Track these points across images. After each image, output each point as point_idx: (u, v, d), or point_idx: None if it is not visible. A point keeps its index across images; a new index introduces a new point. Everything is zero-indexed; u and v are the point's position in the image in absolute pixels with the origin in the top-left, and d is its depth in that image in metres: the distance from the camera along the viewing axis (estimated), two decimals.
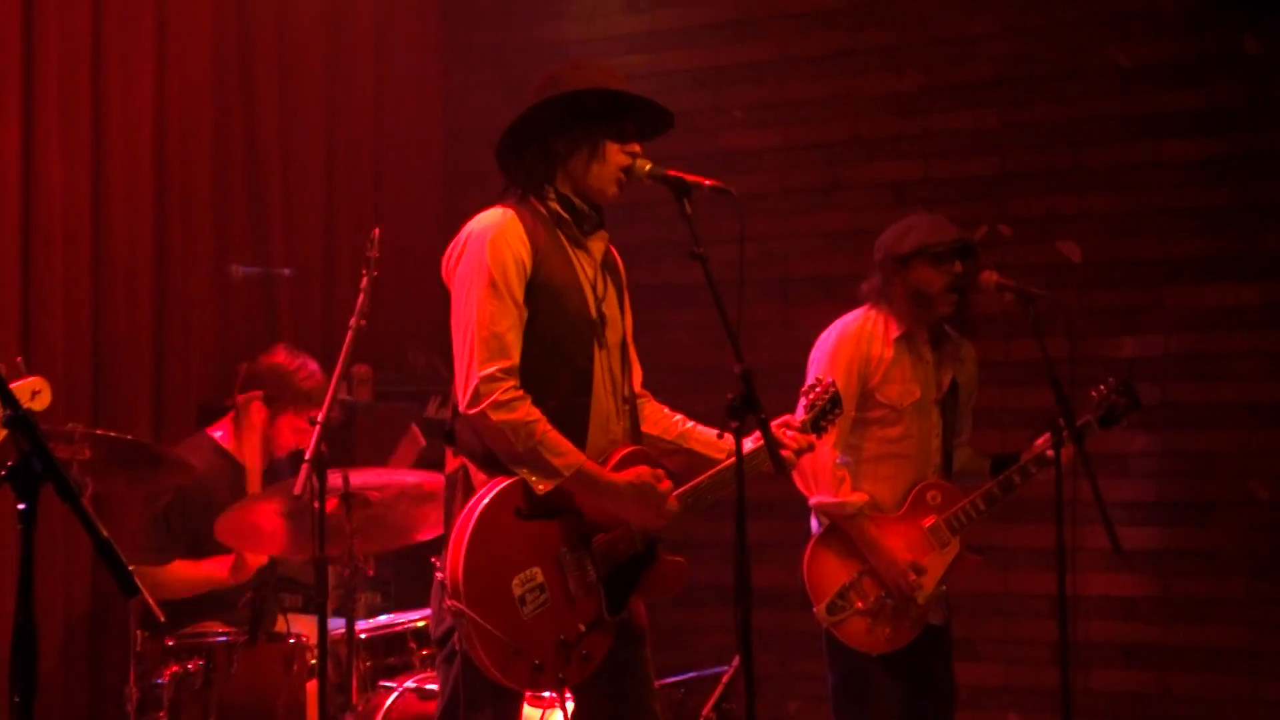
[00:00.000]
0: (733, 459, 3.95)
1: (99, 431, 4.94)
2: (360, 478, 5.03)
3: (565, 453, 3.94)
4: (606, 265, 4.25)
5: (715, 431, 4.32)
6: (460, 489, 4.04)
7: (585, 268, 4.15)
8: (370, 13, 7.69)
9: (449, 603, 3.87)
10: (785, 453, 4.09)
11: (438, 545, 4.11)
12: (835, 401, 4.41)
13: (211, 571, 5.60)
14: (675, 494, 4.11)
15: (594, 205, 4.18)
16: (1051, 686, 5.21)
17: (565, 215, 4.12)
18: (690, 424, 4.41)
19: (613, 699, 4.16)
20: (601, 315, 4.16)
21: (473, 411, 3.91)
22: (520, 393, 3.92)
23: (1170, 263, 6.79)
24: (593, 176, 4.11)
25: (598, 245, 4.22)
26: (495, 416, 3.88)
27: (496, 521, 3.90)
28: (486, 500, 3.91)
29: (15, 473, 2.74)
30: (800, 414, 4.38)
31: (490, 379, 3.90)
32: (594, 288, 4.15)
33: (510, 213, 4.05)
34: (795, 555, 5.42)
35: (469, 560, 3.85)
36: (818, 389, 4.41)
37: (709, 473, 4.19)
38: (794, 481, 5.18)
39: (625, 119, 4.15)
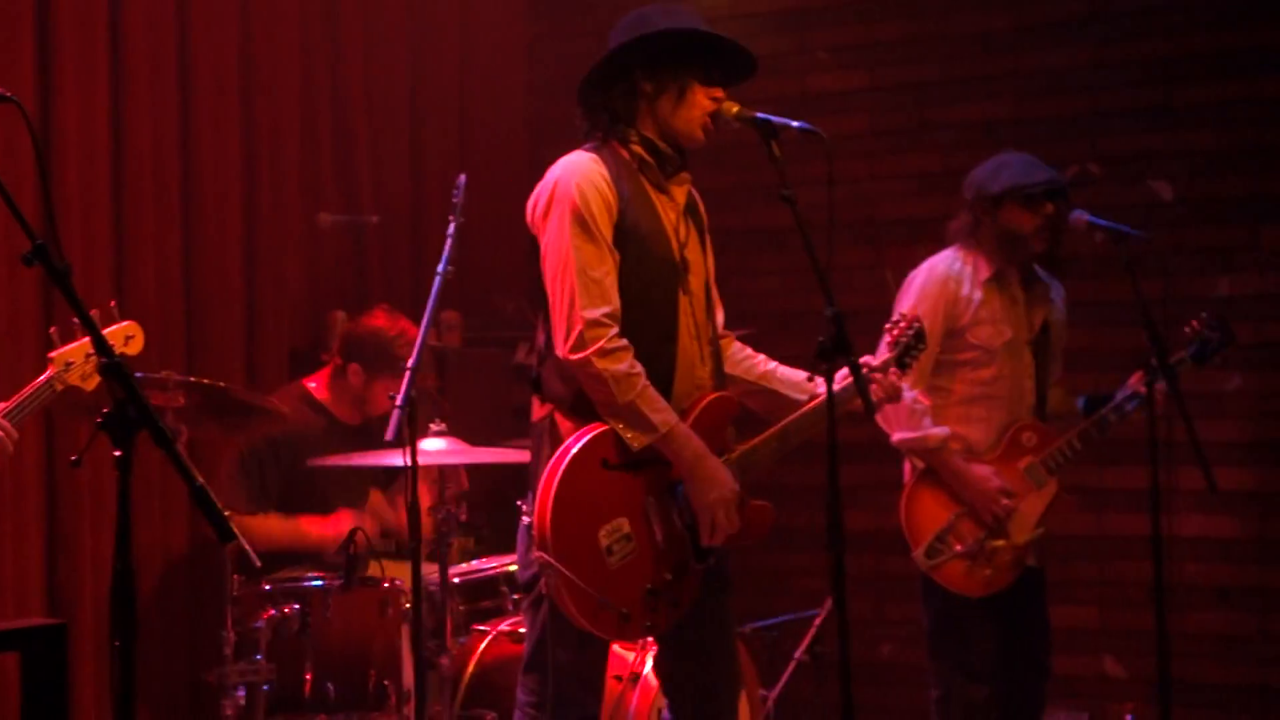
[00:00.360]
0: (815, 400, 3.96)
1: (192, 379, 4.99)
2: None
3: (662, 410, 3.94)
4: (689, 209, 4.23)
5: (798, 373, 4.31)
6: (547, 437, 4.03)
7: (668, 212, 4.14)
8: None
9: (536, 554, 3.88)
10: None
11: (526, 488, 4.12)
12: (920, 337, 4.38)
13: (306, 529, 5.64)
14: (758, 440, 4.10)
15: (677, 148, 4.16)
16: (1147, 629, 5.18)
17: (648, 158, 4.10)
18: (772, 364, 4.40)
19: (697, 645, 4.16)
20: (684, 260, 4.14)
21: (576, 357, 3.89)
22: (624, 342, 3.90)
23: (1266, 199, 6.68)
24: (679, 118, 4.09)
25: (680, 189, 4.20)
26: (599, 364, 3.87)
27: (583, 473, 3.91)
28: (574, 451, 3.91)
29: (111, 420, 2.76)
30: (883, 351, 4.36)
31: (595, 323, 3.88)
32: (676, 232, 4.14)
33: (595, 157, 4.04)
34: (887, 499, 5.41)
35: (556, 512, 3.86)
36: (901, 324, 4.38)
37: (795, 414, 4.18)
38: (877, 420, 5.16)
39: (711, 63, 4.12)
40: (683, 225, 4.17)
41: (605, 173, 4.00)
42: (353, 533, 5.17)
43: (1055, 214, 5.21)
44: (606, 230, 3.96)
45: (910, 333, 4.36)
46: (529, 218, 4.08)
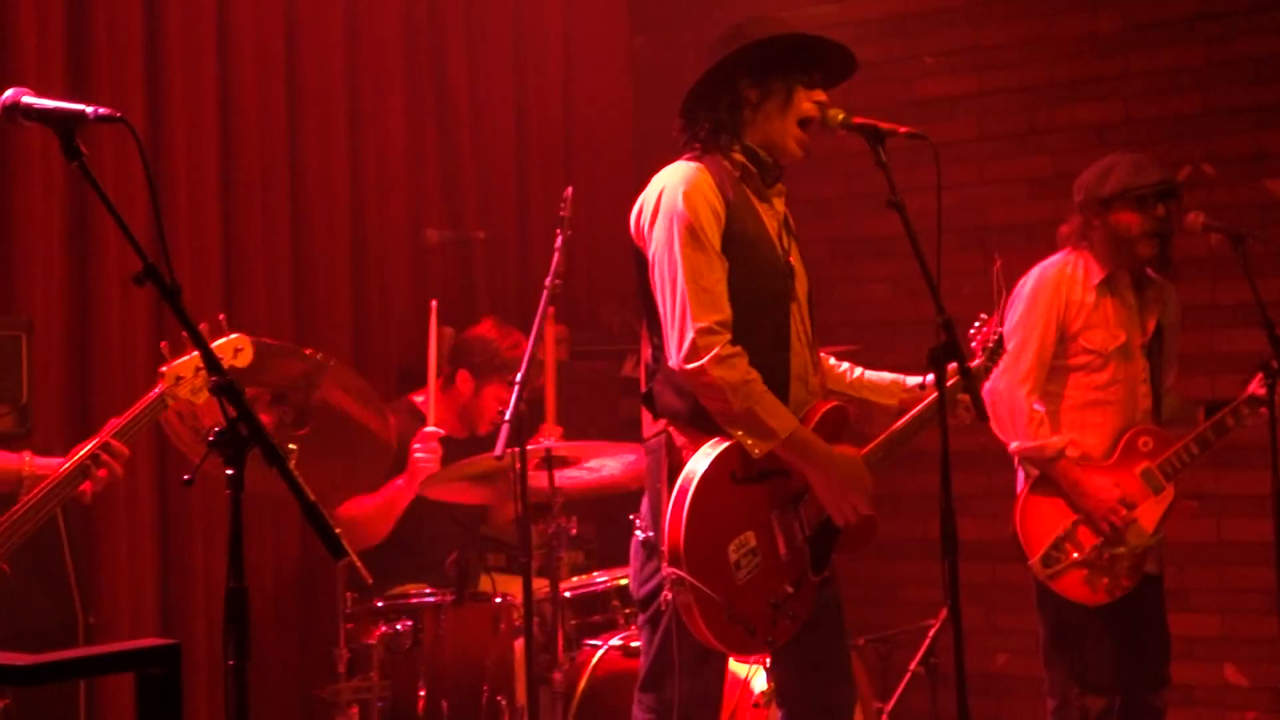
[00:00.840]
0: (922, 404, 3.95)
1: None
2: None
3: (781, 414, 3.91)
4: (785, 219, 4.21)
5: (884, 375, 4.30)
6: (665, 453, 4.00)
7: (771, 220, 4.12)
8: None
9: (668, 570, 3.84)
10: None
11: (637, 502, 4.10)
12: (1001, 341, 4.38)
13: (392, 494, 5.62)
14: (865, 450, 4.08)
15: (775, 158, 4.13)
16: (1270, 635, 5.11)
17: (751, 167, 4.08)
18: (859, 371, 4.39)
19: (813, 658, 4.13)
20: (789, 267, 4.12)
21: (690, 366, 3.86)
22: (738, 349, 3.88)
23: None
24: (785, 125, 4.06)
25: (779, 200, 4.18)
26: (715, 373, 3.84)
27: (714, 488, 3.88)
28: (705, 467, 3.88)
29: (223, 439, 2.77)
30: (977, 357, 4.33)
31: (708, 331, 3.86)
32: (780, 239, 4.12)
33: (700, 166, 4.02)
34: (999, 507, 5.35)
35: (690, 528, 3.83)
36: (985, 329, 4.36)
37: (903, 420, 4.17)
38: (992, 430, 5.11)
39: (813, 68, 4.10)
40: (785, 233, 4.15)
41: (711, 180, 3.98)
42: (461, 550, 5.18)
43: (1167, 215, 5.14)
44: (715, 238, 3.94)
45: (994, 336, 4.34)
46: (633, 229, 4.06)
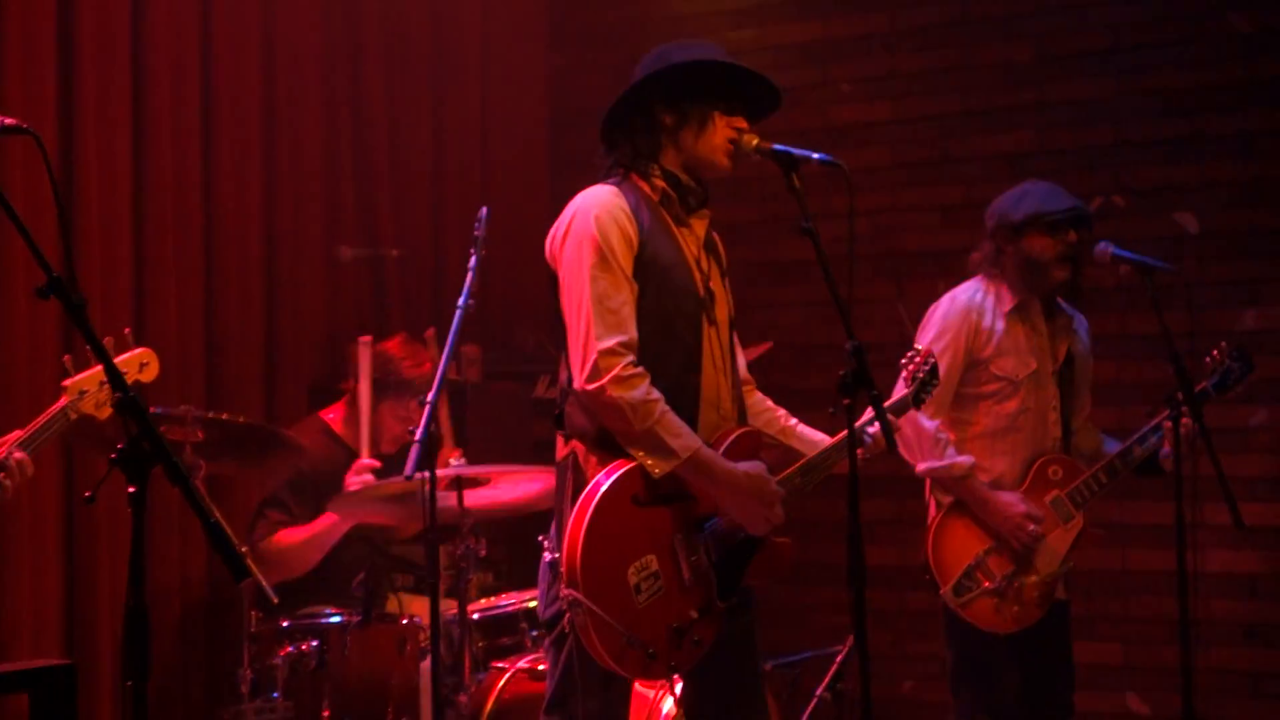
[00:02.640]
0: (839, 435, 3.94)
1: (211, 414, 4.97)
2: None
3: (683, 434, 3.90)
4: (708, 244, 4.21)
5: (818, 434, 4.29)
6: (571, 474, 3.99)
7: (689, 245, 4.11)
8: None
9: (566, 592, 3.83)
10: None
11: (547, 523, 4.09)
12: (934, 372, 4.38)
13: (322, 528, 5.57)
14: (780, 476, 4.08)
15: (699, 182, 4.14)
16: (1171, 665, 5.13)
17: (670, 192, 4.08)
18: (793, 421, 4.38)
19: (721, 682, 4.13)
20: (709, 292, 4.12)
21: (591, 387, 3.85)
22: (640, 370, 3.87)
23: None
24: (701, 149, 4.07)
25: (700, 224, 4.18)
26: (614, 392, 3.83)
27: (614, 510, 3.86)
28: (605, 487, 3.87)
29: (126, 455, 2.73)
30: (900, 387, 4.35)
31: (610, 352, 3.85)
32: (699, 264, 4.11)
33: (614, 189, 4.02)
34: (908, 534, 5.37)
35: (586, 549, 3.81)
36: (918, 359, 4.36)
37: (818, 451, 4.16)
38: (899, 453, 5.14)
39: (732, 95, 4.10)
40: (704, 258, 4.15)
41: (625, 204, 3.98)
42: (369, 570, 5.15)
43: (1078, 243, 5.17)
44: (626, 261, 3.93)
45: (926, 367, 4.35)
46: (548, 251, 4.06)
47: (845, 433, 4.01)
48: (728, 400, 4.14)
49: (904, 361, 4.37)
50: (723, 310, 4.18)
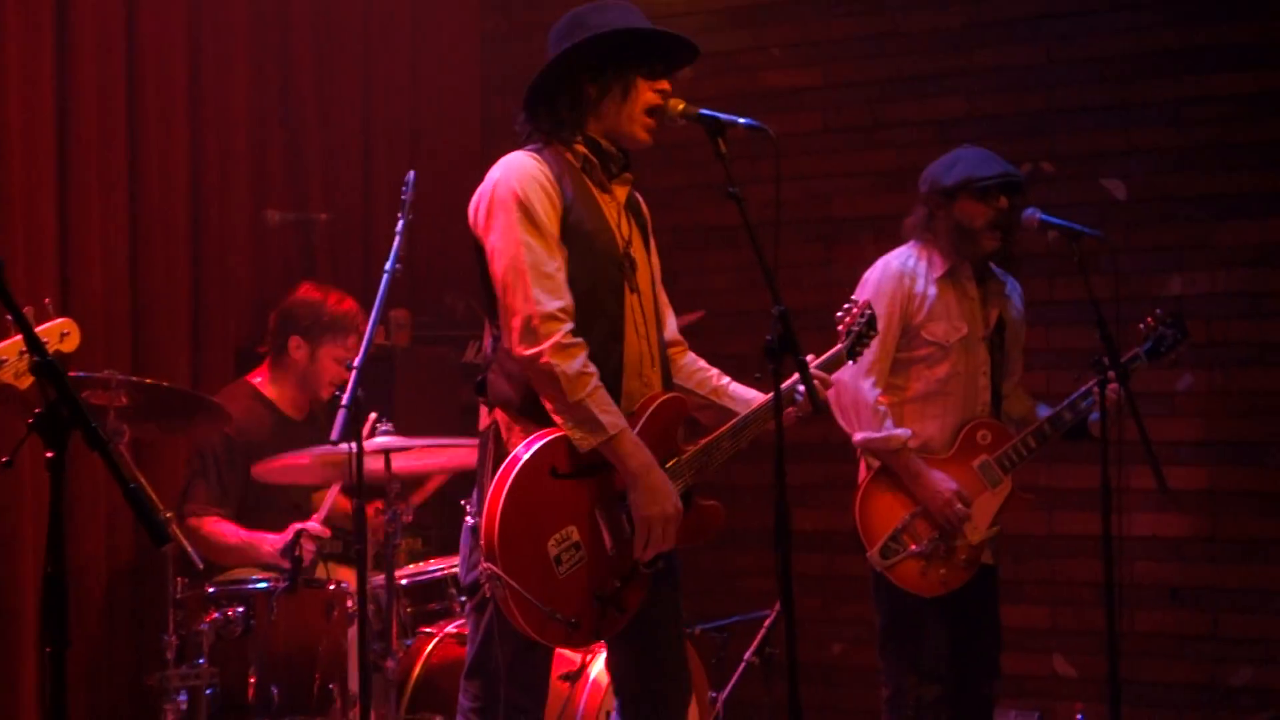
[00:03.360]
0: (766, 397, 3.93)
1: (135, 378, 4.93)
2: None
3: (613, 413, 3.88)
4: (631, 208, 4.19)
5: (751, 390, 4.26)
6: (493, 443, 3.97)
7: (610, 210, 4.09)
8: None
9: (484, 565, 3.81)
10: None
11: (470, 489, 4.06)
12: (871, 324, 4.36)
13: (259, 545, 5.50)
14: (709, 439, 4.06)
15: (622, 149, 4.11)
16: (1097, 628, 5.18)
17: (592, 158, 4.06)
18: (725, 380, 4.34)
19: (645, 647, 4.12)
20: (630, 258, 4.10)
21: (528, 352, 3.82)
22: (580, 341, 3.85)
23: (1218, 199, 6.68)
24: (625, 117, 4.04)
25: (621, 189, 4.15)
26: (551, 359, 3.80)
27: (532, 484, 3.84)
28: (524, 460, 3.84)
29: (43, 421, 2.69)
30: (841, 340, 4.32)
31: (550, 317, 3.82)
32: (620, 229, 4.09)
33: (535, 157, 3.99)
34: (839, 498, 5.38)
35: (504, 523, 3.79)
36: (854, 311, 4.35)
37: (745, 413, 4.15)
38: (837, 421, 5.15)
39: (654, 57, 4.07)
40: (625, 222, 4.12)
41: (548, 171, 3.95)
42: (298, 535, 5.12)
43: (1009, 208, 5.19)
44: (554, 226, 3.91)
45: (862, 320, 4.34)
46: (470, 218, 4.01)
47: (767, 398, 4.02)
48: (651, 370, 4.12)
49: (840, 314, 4.36)
50: (645, 276, 4.15)
